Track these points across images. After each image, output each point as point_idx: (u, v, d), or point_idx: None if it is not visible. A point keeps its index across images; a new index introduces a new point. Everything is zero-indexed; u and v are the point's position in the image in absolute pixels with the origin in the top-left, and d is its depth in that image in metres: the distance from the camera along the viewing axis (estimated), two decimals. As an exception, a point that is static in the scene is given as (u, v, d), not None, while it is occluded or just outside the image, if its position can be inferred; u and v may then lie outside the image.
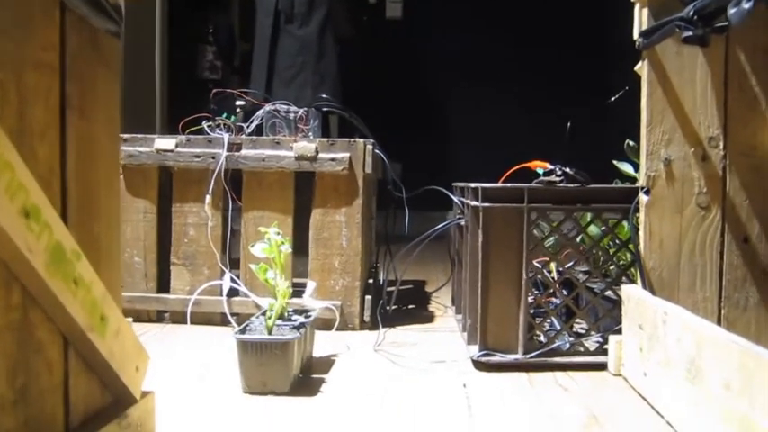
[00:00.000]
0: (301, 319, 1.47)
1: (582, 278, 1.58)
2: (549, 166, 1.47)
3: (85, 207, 0.93)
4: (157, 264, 1.94)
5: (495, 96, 4.52)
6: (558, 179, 1.45)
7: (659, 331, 1.19)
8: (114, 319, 0.94)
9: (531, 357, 1.47)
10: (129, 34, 3.27)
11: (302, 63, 3.13)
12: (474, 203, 1.52)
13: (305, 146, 1.86)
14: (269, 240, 1.40)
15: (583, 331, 1.59)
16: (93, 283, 0.88)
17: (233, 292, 1.89)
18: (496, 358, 1.47)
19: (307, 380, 1.41)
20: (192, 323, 1.86)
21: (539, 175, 1.49)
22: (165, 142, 1.90)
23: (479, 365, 1.49)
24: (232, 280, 1.84)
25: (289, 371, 1.32)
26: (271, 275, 1.42)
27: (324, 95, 2.40)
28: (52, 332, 0.84)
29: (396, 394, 1.31)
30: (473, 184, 1.52)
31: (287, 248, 1.46)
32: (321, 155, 1.86)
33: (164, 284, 1.94)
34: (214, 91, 2.28)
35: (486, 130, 4.47)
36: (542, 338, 1.56)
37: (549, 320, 1.60)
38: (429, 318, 2.06)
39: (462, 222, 1.78)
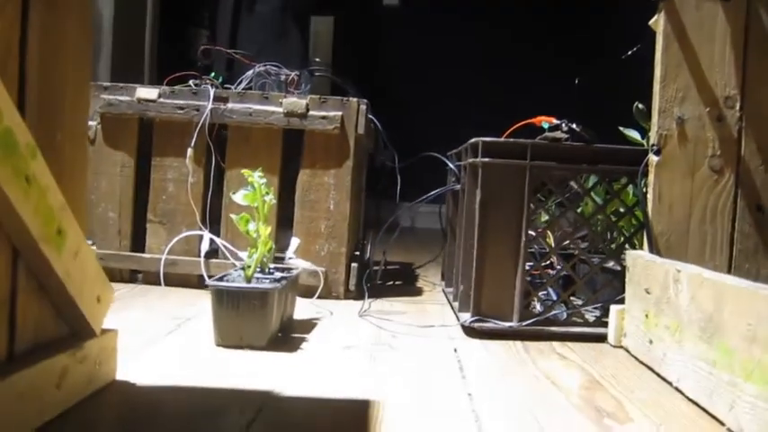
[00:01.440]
0: (283, 275, 1.37)
1: (580, 248, 1.50)
2: (556, 121, 1.39)
3: (47, 106, 0.82)
4: (133, 221, 1.83)
5: (498, 60, 4.37)
6: (563, 136, 1.36)
7: (670, 292, 1.11)
8: (74, 237, 0.84)
9: (527, 325, 1.38)
10: (120, 11, 3.16)
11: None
12: (473, 160, 1.42)
13: (295, 101, 1.76)
14: (252, 186, 1.30)
15: (581, 304, 1.50)
16: (51, 190, 0.78)
17: (212, 255, 1.78)
18: (490, 325, 1.38)
19: (286, 339, 1.31)
20: (167, 285, 1.76)
21: (544, 131, 1.40)
22: (147, 91, 1.79)
23: (471, 332, 1.40)
24: (211, 239, 1.74)
25: (267, 324, 1.21)
26: (252, 227, 1.32)
27: (317, 59, 2.30)
28: (-2, 235, 0.74)
29: (383, 355, 1.22)
30: (473, 139, 1.43)
31: (271, 198, 1.36)
32: (312, 112, 1.76)
33: (139, 243, 1.83)
34: (202, 48, 2.18)
35: (486, 101, 4.29)
36: (539, 308, 1.47)
37: (545, 291, 1.51)
38: (417, 292, 1.97)
39: (457, 187, 1.69)
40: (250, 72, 1.98)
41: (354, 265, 1.80)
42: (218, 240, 1.71)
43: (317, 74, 2.14)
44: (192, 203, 1.77)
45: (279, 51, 2.85)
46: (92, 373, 0.91)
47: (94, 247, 1.79)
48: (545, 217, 1.78)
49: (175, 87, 1.81)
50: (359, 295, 1.78)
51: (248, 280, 1.26)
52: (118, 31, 2.86)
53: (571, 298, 1.47)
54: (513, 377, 1.11)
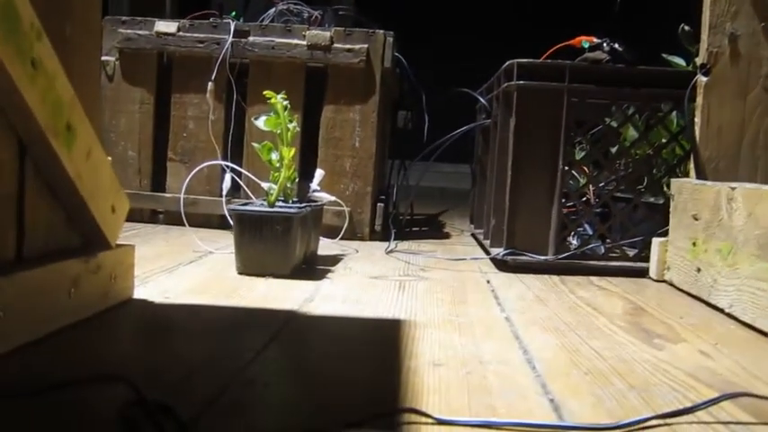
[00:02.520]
0: (307, 205, 1.31)
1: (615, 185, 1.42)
2: (596, 40, 1.30)
3: (53, -8, 0.76)
4: (153, 159, 1.78)
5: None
6: (604, 56, 1.27)
7: (722, 213, 1.03)
8: (85, 136, 0.79)
9: (563, 259, 1.31)
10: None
11: None
12: (507, 84, 1.34)
13: (319, 34, 1.69)
14: (275, 109, 1.24)
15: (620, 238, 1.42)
16: (59, 80, 0.72)
17: (235, 195, 1.73)
18: (524, 258, 1.31)
19: (310, 270, 1.26)
20: (188, 225, 1.71)
21: (583, 51, 1.31)
22: (166, 25, 1.73)
23: (503, 266, 1.33)
24: (233, 177, 1.69)
25: (290, 251, 1.16)
26: (275, 156, 1.26)
27: (341, -3, 2.21)
28: (2, 126, 0.68)
29: (412, 283, 1.16)
30: (507, 62, 1.34)
31: (294, 126, 1.29)
32: (336, 45, 1.68)
33: (159, 182, 1.78)
34: (222, -15, 2.10)
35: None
36: (575, 244, 1.40)
37: (581, 227, 1.44)
38: (445, 236, 1.91)
39: (488, 122, 1.61)
40: (272, 10, 1.90)
41: (380, 204, 1.74)
42: (236, 172, 1.65)
43: (341, 12, 2.06)
44: (213, 141, 1.71)
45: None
46: (107, 287, 0.86)
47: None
48: (580, 154, 1.70)
49: (195, 21, 1.75)
50: (384, 236, 1.72)
51: (271, 205, 1.20)
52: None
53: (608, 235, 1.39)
54: (552, 303, 1.04)
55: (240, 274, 1.17)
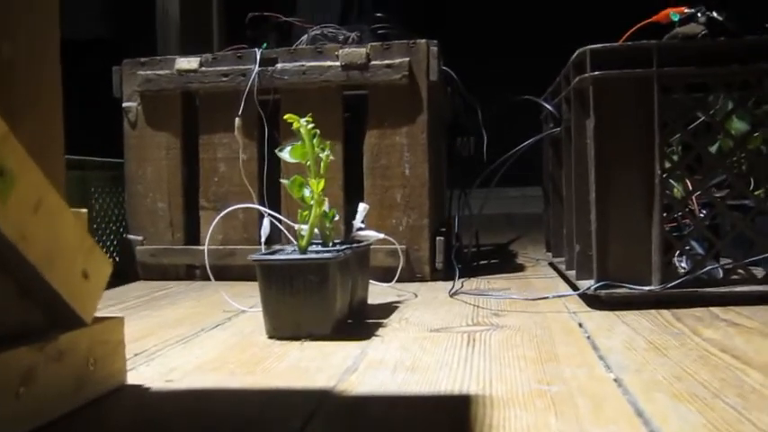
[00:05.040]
0: (349, 247, 1.10)
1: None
2: (688, 10, 1.04)
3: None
4: (184, 209, 1.61)
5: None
6: (700, 29, 1.02)
7: None
8: (33, 184, 0.59)
9: (673, 287, 1.04)
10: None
11: None
12: (580, 78, 1.10)
13: (353, 51, 1.49)
14: (300, 135, 1.03)
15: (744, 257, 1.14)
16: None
17: (275, 242, 1.53)
18: (622, 291, 1.05)
19: (357, 325, 1.03)
20: (224, 279, 1.52)
21: (673, 27, 1.06)
22: (187, 61, 1.57)
23: (596, 302, 1.07)
24: (271, 221, 1.49)
25: (329, 306, 0.94)
26: (309, 193, 1.06)
27: (380, 14, 2.02)
28: None
29: (484, 336, 0.92)
30: (577, 51, 1.10)
31: (328, 155, 1.08)
32: (374, 62, 1.48)
33: (193, 234, 1.61)
34: (250, 16, 1.95)
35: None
36: (684, 266, 1.12)
37: (686, 246, 1.16)
38: (518, 267, 1.65)
39: (557, 131, 1.37)
40: (304, 37, 1.73)
41: (440, 238, 1.50)
42: (268, 221, 1.45)
43: (380, 31, 1.86)
44: (247, 183, 1.53)
45: (337, 12, 2.55)
46: (81, 376, 0.66)
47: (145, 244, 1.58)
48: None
49: (218, 53, 1.59)
50: (448, 275, 1.48)
51: (303, 251, 0.99)
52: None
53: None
54: (674, 352, 0.78)
55: (271, 337, 0.95)
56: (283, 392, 0.70)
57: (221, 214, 1.33)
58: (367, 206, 1.22)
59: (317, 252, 1.02)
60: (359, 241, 1.18)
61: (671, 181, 1.21)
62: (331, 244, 1.12)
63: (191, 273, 1.60)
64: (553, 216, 1.52)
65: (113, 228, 1.64)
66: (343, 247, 1.07)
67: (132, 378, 0.76)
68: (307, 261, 0.94)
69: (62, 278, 0.64)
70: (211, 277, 1.27)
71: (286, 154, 1.06)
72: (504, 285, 1.37)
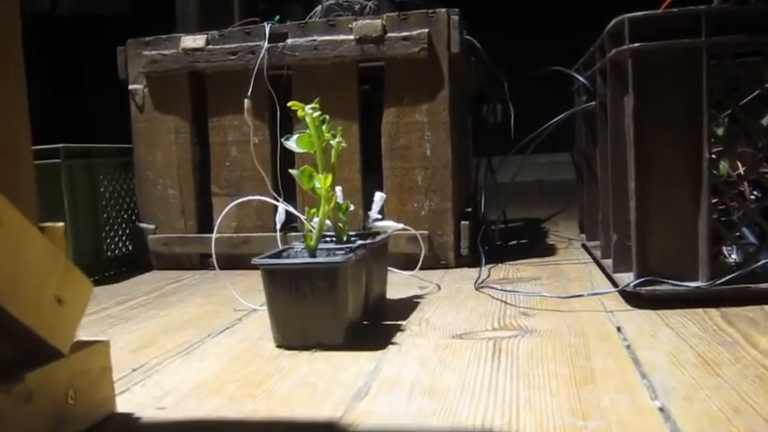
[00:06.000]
0: (365, 243, 1.01)
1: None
2: (743, -29, 0.92)
3: None
4: (196, 196, 1.54)
5: None
6: (757, -8, 0.89)
7: None
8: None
9: (722, 284, 0.93)
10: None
11: None
12: (617, 50, 0.98)
13: (368, 23, 1.38)
14: (306, 121, 0.94)
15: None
16: None
17: (291, 228, 1.45)
18: (665, 288, 0.95)
19: (373, 328, 0.96)
20: (238, 268, 1.46)
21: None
22: (193, 39, 1.48)
23: (637, 299, 0.97)
24: (286, 206, 1.41)
25: (340, 312, 0.86)
26: (319, 185, 0.97)
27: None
28: None
29: (512, 346, 0.83)
30: (614, 20, 0.98)
31: (339, 141, 0.99)
32: (390, 34, 1.38)
33: (207, 222, 1.54)
34: (261, -13, 1.85)
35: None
36: (734, 258, 1.02)
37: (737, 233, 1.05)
38: (549, 251, 1.55)
39: (591, 105, 1.25)
40: (318, 8, 1.62)
41: (465, 223, 1.41)
42: (283, 207, 1.37)
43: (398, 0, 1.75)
44: (260, 167, 1.45)
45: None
46: (59, 414, 0.59)
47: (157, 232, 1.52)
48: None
49: (225, 30, 1.49)
50: (474, 261, 1.39)
51: (311, 252, 0.91)
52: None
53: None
54: (728, 369, 0.68)
55: (279, 346, 0.88)
56: (284, 426, 0.63)
57: (230, 205, 1.25)
58: (384, 195, 1.14)
59: (328, 251, 0.94)
60: (376, 233, 1.10)
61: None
62: (345, 238, 1.04)
63: (204, 262, 1.53)
64: (587, 197, 1.42)
65: (125, 216, 1.58)
66: (357, 243, 0.99)
67: (124, 403, 0.69)
68: (314, 265, 0.86)
69: (29, 307, 0.57)
70: (216, 268, 1.21)
71: (293, 143, 0.97)
72: (534, 273, 1.28)
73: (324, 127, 0.96)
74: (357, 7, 1.60)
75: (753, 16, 0.92)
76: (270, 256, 0.91)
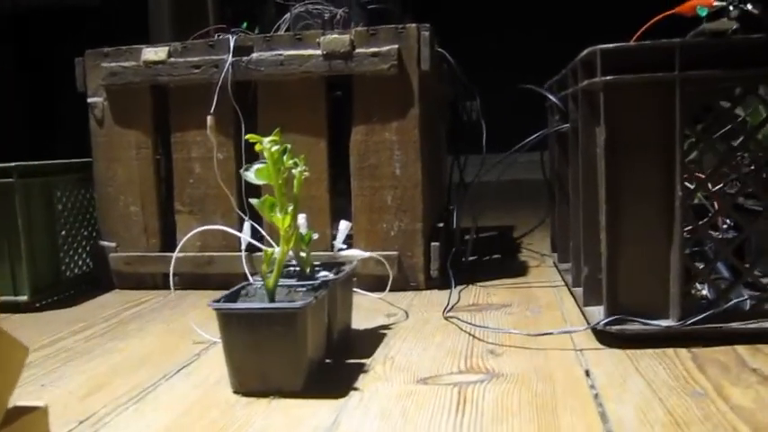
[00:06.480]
0: (330, 275, 0.98)
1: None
2: (718, 3, 0.89)
3: None
4: (159, 214, 1.49)
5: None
6: (731, 25, 0.86)
7: None
8: None
9: (693, 324, 0.91)
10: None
11: None
12: (588, 82, 0.95)
13: (335, 39, 1.34)
14: (266, 155, 0.90)
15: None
16: None
17: (257, 248, 1.41)
18: (635, 327, 0.92)
19: (336, 368, 0.92)
20: (204, 288, 1.42)
21: (699, 23, 0.90)
22: (154, 51, 1.43)
23: (608, 338, 0.95)
24: (252, 225, 1.37)
25: (299, 357, 0.82)
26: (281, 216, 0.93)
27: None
28: None
29: (477, 393, 0.80)
30: (586, 51, 0.95)
31: (302, 170, 0.95)
32: (359, 50, 1.33)
33: (170, 241, 1.49)
34: (229, -8, 1.80)
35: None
36: (705, 294, 1.00)
37: (710, 269, 1.03)
38: (521, 270, 1.52)
39: (565, 128, 1.22)
40: (287, 15, 1.57)
41: (435, 244, 1.38)
42: (248, 227, 1.33)
43: (370, 6, 1.70)
44: (224, 186, 1.40)
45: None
46: (-15, 497, 0.55)
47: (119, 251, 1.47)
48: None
49: (188, 42, 1.44)
50: (444, 283, 1.36)
51: (270, 295, 0.87)
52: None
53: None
54: (697, 429, 0.66)
55: (236, 392, 0.84)
56: (232, 500, 0.59)
57: (193, 232, 1.21)
58: (349, 224, 1.10)
59: (289, 289, 0.90)
60: (341, 263, 1.06)
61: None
62: (309, 269, 1.00)
63: (168, 281, 1.48)
64: (558, 217, 1.39)
65: (85, 234, 1.52)
66: (320, 278, 0.95)
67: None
68: (271, 310, 0.82)
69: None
70: (172, 290, 1.17)
71: (251, 174, 0.93)
72: (505, 299, 1.25)
73: (284, 157, 0.92)
74: (327, 15, 1.55)
75: (727, 50, 0.89)
76: (227, 298, 0.87)
